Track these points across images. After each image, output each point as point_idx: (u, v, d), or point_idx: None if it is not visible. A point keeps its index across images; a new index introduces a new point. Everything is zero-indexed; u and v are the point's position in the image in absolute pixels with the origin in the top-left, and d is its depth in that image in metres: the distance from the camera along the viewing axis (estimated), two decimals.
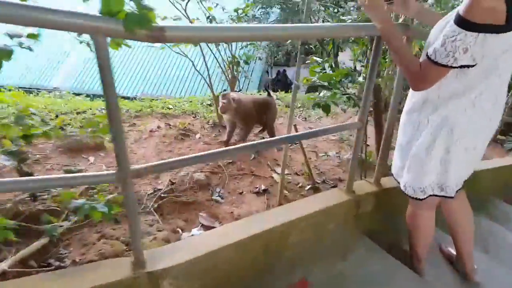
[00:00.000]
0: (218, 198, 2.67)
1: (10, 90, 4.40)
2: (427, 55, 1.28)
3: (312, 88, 2.25)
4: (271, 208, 2.69)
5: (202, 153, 1.38)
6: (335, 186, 3.05)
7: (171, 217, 2.43)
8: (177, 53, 3.50)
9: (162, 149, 3.09)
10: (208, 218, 2.47)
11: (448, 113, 1.36)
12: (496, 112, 1.39)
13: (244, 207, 2.65)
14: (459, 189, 1.55)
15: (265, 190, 2.87)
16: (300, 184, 3.04)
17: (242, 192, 2.81)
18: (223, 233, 1.53)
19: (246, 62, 3.73)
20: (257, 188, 2.90)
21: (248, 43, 3.77)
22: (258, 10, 10.50)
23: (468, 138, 1.38)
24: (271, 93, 3.73)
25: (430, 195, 1.54)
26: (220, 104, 3.22)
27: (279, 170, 3.29)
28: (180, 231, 2.30)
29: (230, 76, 3.79)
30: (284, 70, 11.95)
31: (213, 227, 2.41)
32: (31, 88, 9.51)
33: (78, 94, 7.65)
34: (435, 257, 2.02)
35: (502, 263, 2.08)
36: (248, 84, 11.79)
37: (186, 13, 3.45)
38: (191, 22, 3.54)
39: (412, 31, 1.68)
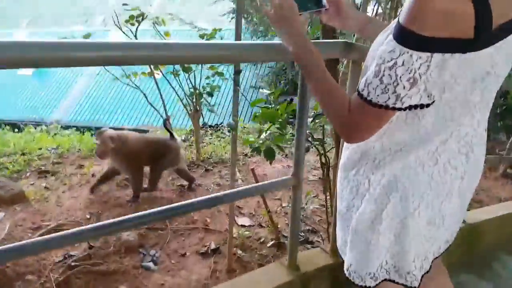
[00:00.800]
0: (150, 264, 2.13)
1: None
2: (357, 90, 0.81)
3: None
4: (218, 274, 2.16)
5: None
6: (307, 241, 2.50)
7: None
8: (127, 84, 3.09)
9: (95, 200, 2.60)
10: None
11: (397, 172, 0.90)
12: (472, 168, 0.91)
13: (182, 275, 2.10)
14: (427, 272, 1.05)
15: (215, 250, 2.33)
16: (262, 239, 2.49)
17: (185, 253, 2.28)
18: None
19: (210, 94, 3.28)
20: (206, 246, 2.36)
21: (214, 72, 3.30)
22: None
23: (431, 207, 0.91)
24: (175, 134, 2.94)
25: (386, 280, 1.03)
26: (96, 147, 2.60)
27: (241, 220, 2.76)
28: None
29: (192, 109, 3.35)
30: (292, 99, 11.52)
31: None
32: (22, 122, 9.26)
33: (68, 128, 7.40)
34: None
35: None
36: (250, 117, 11.44)
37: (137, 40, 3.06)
38: None
39: (358, 52, 1.19)
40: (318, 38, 1.93)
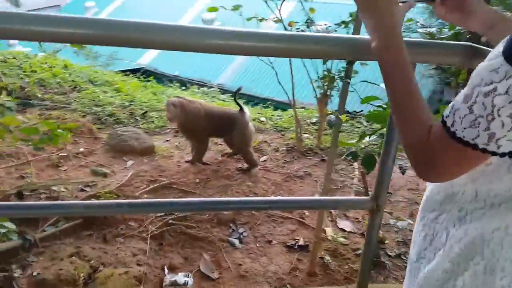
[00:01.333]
0: (235, 241, 2.15)
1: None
2: (442, 115, 0.61)
3: None
4: (297, 273, 2.04)
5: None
6: None
7: (171, 250, 2.07)
8: (261, 60, 3.14)
9: (207, 167, 2.75)
10: (209, 264, 2.01)
11: (487, 233, 0.66)
12: None
13: (261, 262, 2.06)
14: None
15: (303, 247, 2.20)
16: (359, 251, 2.22)
17: (271, 241, 2.21)
18: None
19: (342, 79, 3.04)
20: (296, 240, 2.25)
21: None
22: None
23: None
24: (244, 108, 2.76)
25: None
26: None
27: (342, 223, 2.52)
28: (166, 270, 1.92)
29: (321, 93, 3.18)
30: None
31: (210, 278, 1.95)
32: (191, 80, 10.29)
33: (225, 93, 8.00)
34: None
35: None
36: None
37: (280, 14, 3.05)
38: (287, 26, 3.12)
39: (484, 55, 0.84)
40: (458, 35, 1.48)
